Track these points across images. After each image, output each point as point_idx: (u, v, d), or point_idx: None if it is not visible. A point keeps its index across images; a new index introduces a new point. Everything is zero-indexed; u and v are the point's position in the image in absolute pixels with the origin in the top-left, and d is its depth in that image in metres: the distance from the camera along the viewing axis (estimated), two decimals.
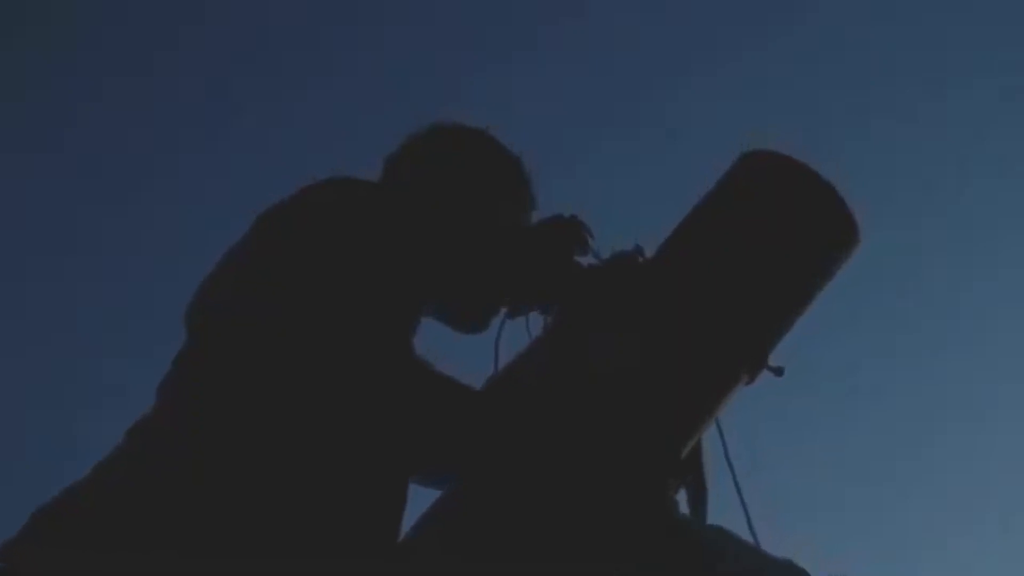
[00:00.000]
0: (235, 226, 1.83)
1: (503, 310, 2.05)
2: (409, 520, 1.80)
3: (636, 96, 5.17)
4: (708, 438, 1.95)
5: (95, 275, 5.01)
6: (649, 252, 1.98)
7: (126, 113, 5.13)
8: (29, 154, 5.02)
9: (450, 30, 5.30)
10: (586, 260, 2.03)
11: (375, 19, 5.29)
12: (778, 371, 1.93)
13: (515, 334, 2.03)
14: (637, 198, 4.65)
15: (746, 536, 1.90)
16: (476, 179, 2.04)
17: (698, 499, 1.92)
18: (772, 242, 1.93)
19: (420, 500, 1.83)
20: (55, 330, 4.87)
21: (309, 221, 1.78)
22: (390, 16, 5.26)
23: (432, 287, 1.91)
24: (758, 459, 2.17)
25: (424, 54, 5.20)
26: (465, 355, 2.00)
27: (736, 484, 1.96)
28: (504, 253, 2.02)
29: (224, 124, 5.22)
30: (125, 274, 5.05)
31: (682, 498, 1.92)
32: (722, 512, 1.92)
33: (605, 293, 1.94)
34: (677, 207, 2.02)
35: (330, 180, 1.85)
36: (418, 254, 1.83)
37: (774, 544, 1.88)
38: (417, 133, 2.09)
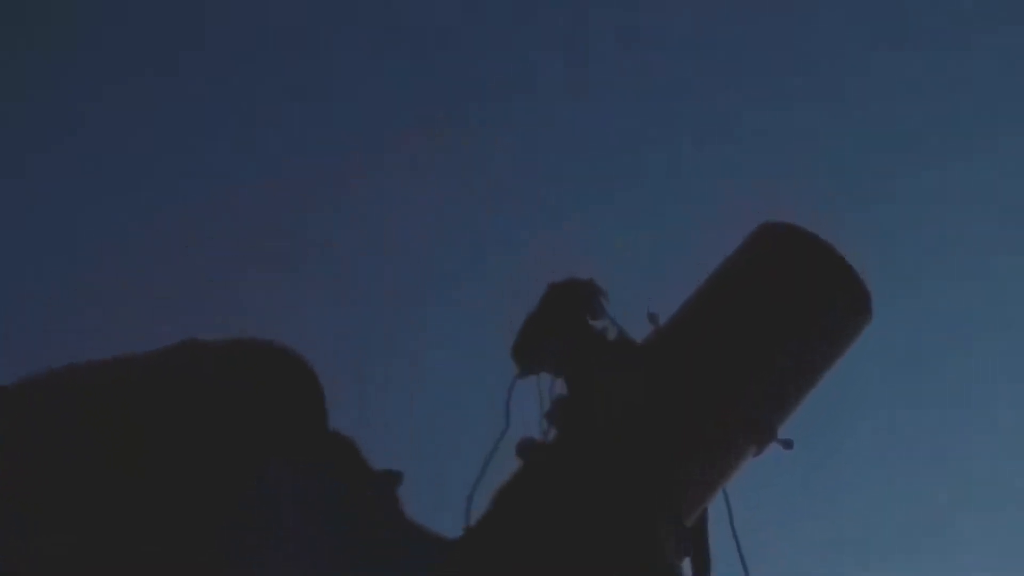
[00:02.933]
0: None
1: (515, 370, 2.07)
2: None
3: (654, 155, 5.19)
4: (714, 507, 1.97)
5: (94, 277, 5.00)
6: (663, 317, 2.00)
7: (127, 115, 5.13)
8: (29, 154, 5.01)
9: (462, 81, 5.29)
10: (600, 323, 2.04)
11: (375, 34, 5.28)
12: (787, 444, 1.95)
13: (526, 393, 2.05)
14: (652, 262, 4.68)
15: None
16: None
17: (702, 568, 1.94)
18: (786, 315, 1.95)
19: None
20: (52, 332, 4.86)
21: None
22: (391, 27, 5.25)
23: None
24: (763, 529, 2.19)
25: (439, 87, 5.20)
26: (476, 416, 2.01)
27: (740, 554, 1.98)
28: None
29: (224, 127, 5.22)
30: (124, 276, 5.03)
31: (687, 567, 1.94)
32: None
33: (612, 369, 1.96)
34: (694, 270, 2.05)
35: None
36: None
37: None
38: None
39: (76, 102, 5.12)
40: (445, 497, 2.01)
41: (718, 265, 2.03)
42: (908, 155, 5.14)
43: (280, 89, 5.29)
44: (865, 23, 5.19)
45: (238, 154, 5.28)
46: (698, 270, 2.02)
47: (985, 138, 5.11)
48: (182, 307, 4.63)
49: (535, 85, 5.25)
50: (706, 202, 4.96)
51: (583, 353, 2.00)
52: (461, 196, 4.90)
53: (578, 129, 5.22)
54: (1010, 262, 5.07)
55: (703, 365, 1.92)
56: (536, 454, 1.92)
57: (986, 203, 5.09)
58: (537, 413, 2.00)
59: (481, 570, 1.83)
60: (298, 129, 5.29)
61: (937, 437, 5.10)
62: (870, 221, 4.98)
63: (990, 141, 5.09)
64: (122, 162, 5.15)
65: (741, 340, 1.93)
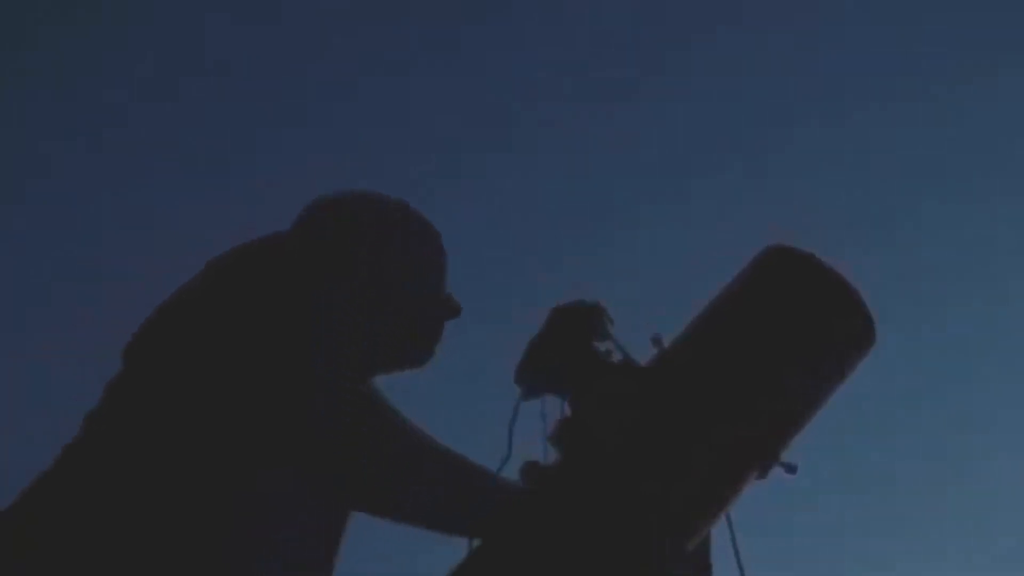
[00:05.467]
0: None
1: (518, 391, 2.07)
2: None
3: (662, 177, 5.20)
4: (717, 531, 1.97)
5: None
6: (667, 340, 2.00)
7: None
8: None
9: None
10: (604, 346, 2.04)
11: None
12: (791, 468, 1.94)
13: (530, 416, 2.05)
14: (659, 282, 4.68)
15: None
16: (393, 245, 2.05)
17: None
18: (788, 338, 1.95)
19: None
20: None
21: (252, 287, 1.87)
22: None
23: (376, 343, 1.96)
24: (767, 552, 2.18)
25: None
26: (479, 438, 2.02)
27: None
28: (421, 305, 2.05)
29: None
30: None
31: None
32: None
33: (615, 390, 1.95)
34: (698, 291, 2.05)
35: (266, 245, 1.94)
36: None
37: None
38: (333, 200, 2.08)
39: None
40: None
41: (721, 288, 2.03)
42: (915, 173, 5.17)
43: (291, 104, 5.28)
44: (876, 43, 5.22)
45: (244, 173, 5.27)
46: (702, 293, 2.03)
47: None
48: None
49: (543, 100, 5.26)
50: (712, 224, 4.97)
51: (587, 376, 2.00)
52: (462, 220, 4.90)
53: (585, 150, 5.23)
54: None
55: (706, 388, 1.92)
56: (540, 476, 1.92)
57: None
58: (541, 436, 2.00)
59: None
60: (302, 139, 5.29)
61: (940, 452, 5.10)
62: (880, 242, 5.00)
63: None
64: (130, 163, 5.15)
65: (744, 364, 1.93)
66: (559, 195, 5.16)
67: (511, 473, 1.96)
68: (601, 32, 5.20)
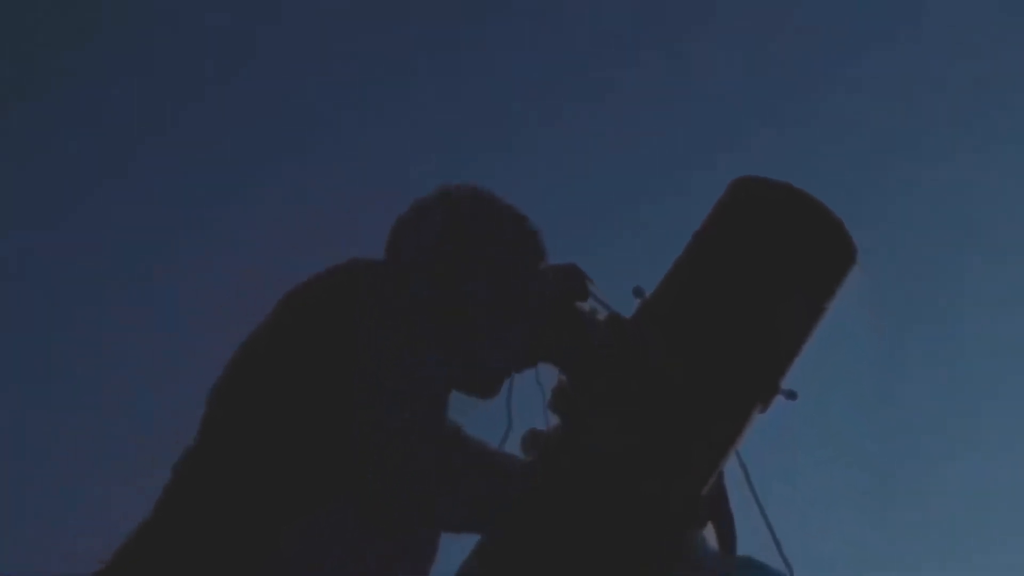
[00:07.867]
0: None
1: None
2: None
3: (662, 177, 5.21)
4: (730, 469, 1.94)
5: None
6: (648, 289, 1.99)
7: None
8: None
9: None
10: (587, 305, 2.03)
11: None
12: (791, 395, 1.92)
13: (526, 387, 2.04)
14: (635, 235, 4.69)
15: (778, 565, 1.91)
16: (496, 253, 2.01)
17: (725, 531, 1.92)
18: (769, 267, 1.94)
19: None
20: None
21: (326, 321, 1.84)
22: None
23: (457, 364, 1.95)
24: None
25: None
26: (480, 411, 2.02)
27: (763, 512, 1.95)
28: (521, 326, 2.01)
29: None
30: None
31: (710, 533, 1.91)
32: (750, 541, 1.93)
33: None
34: (674, 239, 2.05)
35: (346, 269, 1.89)
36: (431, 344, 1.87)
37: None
38: (429, 202, 2.03)
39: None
40: None
41: (695, 231, 2.01)
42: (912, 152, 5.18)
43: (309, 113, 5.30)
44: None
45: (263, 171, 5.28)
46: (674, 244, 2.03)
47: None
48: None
49: (543, 99, 5.27)
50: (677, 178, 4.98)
51: (577, 337, 1.99)
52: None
53: (585, 150, 5.25)
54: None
55: (695, 331, 1.90)
56: (543, 444, 1.91)
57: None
58: (540, 404, 1.99)
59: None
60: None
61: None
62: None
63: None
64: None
65: (729, 300, 1.91)
66: (559, 195, 5.16)
67: (513, 442, 1.97)
68: (601, 32, 5.21)
